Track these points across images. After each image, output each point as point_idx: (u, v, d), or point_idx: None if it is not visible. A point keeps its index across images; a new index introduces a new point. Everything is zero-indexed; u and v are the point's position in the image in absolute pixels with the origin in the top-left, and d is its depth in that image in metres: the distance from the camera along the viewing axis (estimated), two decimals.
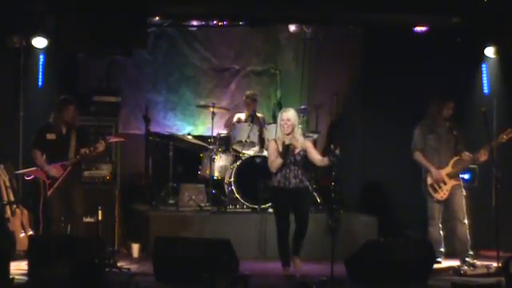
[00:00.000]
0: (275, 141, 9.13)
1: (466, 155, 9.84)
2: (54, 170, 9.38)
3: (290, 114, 9.08)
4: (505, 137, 9.65)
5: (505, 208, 10.08)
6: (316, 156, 9.16)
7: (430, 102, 9.99)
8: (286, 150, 8.92)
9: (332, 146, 8.85)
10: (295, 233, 9.11)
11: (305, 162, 9.13)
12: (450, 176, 9.83)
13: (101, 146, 9.33)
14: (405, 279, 8.80)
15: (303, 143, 9.13)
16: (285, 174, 8.99)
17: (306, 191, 9.29)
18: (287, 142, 8.96)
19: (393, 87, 11.69)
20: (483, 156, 9.67)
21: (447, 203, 9.89)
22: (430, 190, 9.84)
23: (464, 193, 9.94)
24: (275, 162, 9.00)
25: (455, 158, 9.85)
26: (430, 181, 9.83)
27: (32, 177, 9.54)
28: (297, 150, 9.02)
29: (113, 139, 9.66)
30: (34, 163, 9.56)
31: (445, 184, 9.82)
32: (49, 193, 9.37)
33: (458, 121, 10.06)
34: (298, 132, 9.23)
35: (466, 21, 10.92)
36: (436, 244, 9.73)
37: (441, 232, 9.92)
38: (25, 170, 9.68)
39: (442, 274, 9.40)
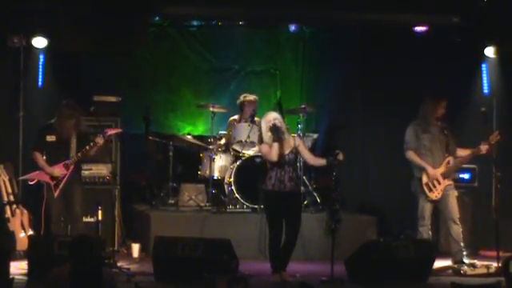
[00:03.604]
0: (265, 143, 8.93)
1: (463, 151, 9.82)
2: (57, 171, 9.38)
3: (274, 115, 8.98)
4: (493, 141, 9.65)
5: (505, 208, 10.06)
6: (308, 154, 9.12)
7: (423, 102, 9.94)
8: (275, 130, 8.78)
9: (337, 151, 8.83)
10: (285, 244, 8.90)
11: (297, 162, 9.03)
12: (443, 176, 9.77)
13: (100, 140, 9.34)
14: (405, 279, 8.81)
15: (293, 142, 8.99)
16: (280, 176, 8.83)
17: (300, 196, 9.24)
18: (272, 125, 8.82)
19: (393, 87, 11.70)
20: (483, 149, 9.65)
21: (440, 203, 9.83)
22: (425, 188, 9.76)
23: (456, 193, 9.91)
24: (272, 149, 8.80)
25: (448, 158, 9.81)
26: (425, 180, 9.75)
27: (35, 181, 9.51)
28: (288, 150, 8.89)
29: (111, 132, 9.68)
30: (34, 165, 9.56)
31: (439, 184, 9.76)
32: (55, 194, 9.35)
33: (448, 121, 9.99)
34: (286, 132, 9.03)
35: (465, 21, 10.93)
36: None
37: (429, 232, 9.85)
38: (27, 176, 9.63)
39: (442, 274, 9.41)
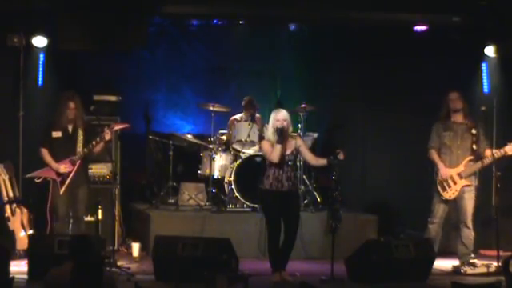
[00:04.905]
0: (267, 140, 8.95)
1: (488, 152, 9.58)
2: (64, 167, 9.36)
3: (285, 115, 8.89)
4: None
5: (505, 208, 10.05)
6: (309, 155, 9.09)
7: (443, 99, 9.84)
8: (281, 133, 8.74)
9: (338, 151, 8.82)
10: (283, 243, 8.88)
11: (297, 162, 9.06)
12: (460, 176, 9.59)
13: (107, 135, 9.31)
14: (405, 278, 8.81)
15: (294, 143, 8.95)
16: (277, 176, 8.80)
17: (298, 195, 9.24)
18: (280, 127, 8.77)
19: (393, 87, 11.71)
20: (509, 151, 9.48)
21: (455, 204, 9.71)
22: (439, 187, 9.63)
23: (473, 195, 9.68)
24: (275, 150, 8.76)
25: (468, 158, 9.63)
26: (439, 179, 9.68)
27: (42, 179, 9.49)
28: (289, 151, 8.88)
29: (118, 126, 9.64)
30: (34, 164, 9.55)
31: (454, 184, 9.59)
32: (61, 191, 9.33)
33: (480, 120, 9.85)
34: (289, 133, 9.01)
35: (466, 20, 10.93)
36: None
37: (439, 231, 9.77)
38: (34, 173, 9.58)
39: (442, 274, 9.40)
